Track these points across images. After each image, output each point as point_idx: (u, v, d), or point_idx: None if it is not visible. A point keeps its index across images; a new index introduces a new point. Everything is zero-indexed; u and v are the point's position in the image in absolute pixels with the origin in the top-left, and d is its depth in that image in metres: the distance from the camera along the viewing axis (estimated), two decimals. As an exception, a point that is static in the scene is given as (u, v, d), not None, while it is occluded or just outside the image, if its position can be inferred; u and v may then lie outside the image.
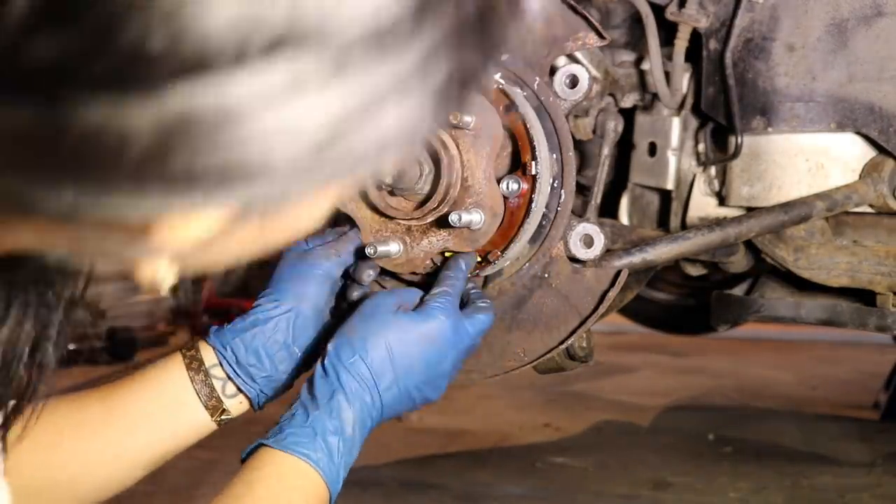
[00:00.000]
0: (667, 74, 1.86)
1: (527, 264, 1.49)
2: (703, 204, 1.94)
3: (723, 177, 1.90)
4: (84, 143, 0.47)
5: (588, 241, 1.48)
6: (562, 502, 3.38)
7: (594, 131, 1.72)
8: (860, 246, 1.84)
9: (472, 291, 1.37)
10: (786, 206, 1.76)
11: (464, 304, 1.34)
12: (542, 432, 4.35)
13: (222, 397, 1.30)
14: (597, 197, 1.60)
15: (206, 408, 1.30)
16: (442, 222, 1.35)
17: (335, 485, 1.16)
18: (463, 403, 4.91)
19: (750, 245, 1.93)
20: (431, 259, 1.39)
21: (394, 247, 1.36)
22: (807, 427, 4.43)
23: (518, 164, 1.41)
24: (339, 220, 1.46)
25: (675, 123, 1.96)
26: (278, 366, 1.33)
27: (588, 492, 3.47)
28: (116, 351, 6.34)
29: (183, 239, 0.54)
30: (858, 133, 1.75)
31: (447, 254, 1.39)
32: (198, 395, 1.29)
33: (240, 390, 1.32)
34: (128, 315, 7.02)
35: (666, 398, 5.08)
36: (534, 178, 1.39)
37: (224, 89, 0.47)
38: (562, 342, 1.48)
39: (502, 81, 1.43)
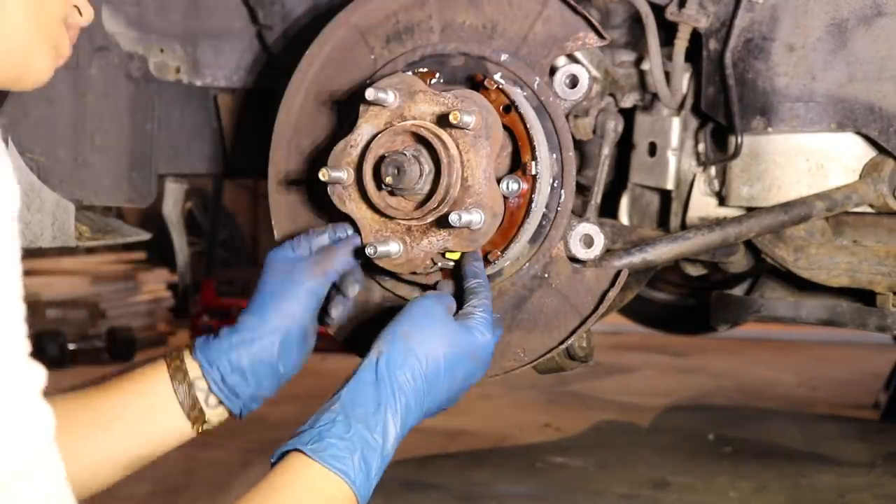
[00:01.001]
0: (667, 74, 1.86)
1: (527, 264, 1.49)
2: (703, 204, 1.94)
3: (723, 177, 1.90)
4: None
5: (588, 241, 1.48)
6: (562, 502, 3.38)
7: (594, 131, 1.72)
8: (860, 246, 1.84)
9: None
10: (786, 206, 1.76)
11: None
12: (542, 432, 4.35)
13: (205, 408, 1.31)
14: (597, 197, 1.60)
15: (188, 418, 1.31)
16: (442, 222, 1.35)
17: (365, 500, 1.12)
18: (463, 403, 4.89)
19: (750, 245, 1.93)
20: (431, 259, 1.39)
21: (394, 247, 1.36)
22: (807, 427, 4.43)
23: (518, 164, 1.41)
24: (334, 217, 1.46)
25: (675, 123, 1.96)
26: (263, 382, 1.33)
27: (588, 492, 3.48)
28: (116, 351, 6.35)
29: None
30: (858, 133, 1.75)
31: (447, 254, 1.38)
32: (181, 405, 1.30)
33: (222, 403, 1.32)
34: (128, 315, 7.03)
35: (666, 398, 5.08)
36: (534, 178, 1.39)
37: None
38: (562, 342, 1.48)
39: (502, 81, 1.43)
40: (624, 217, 2.09)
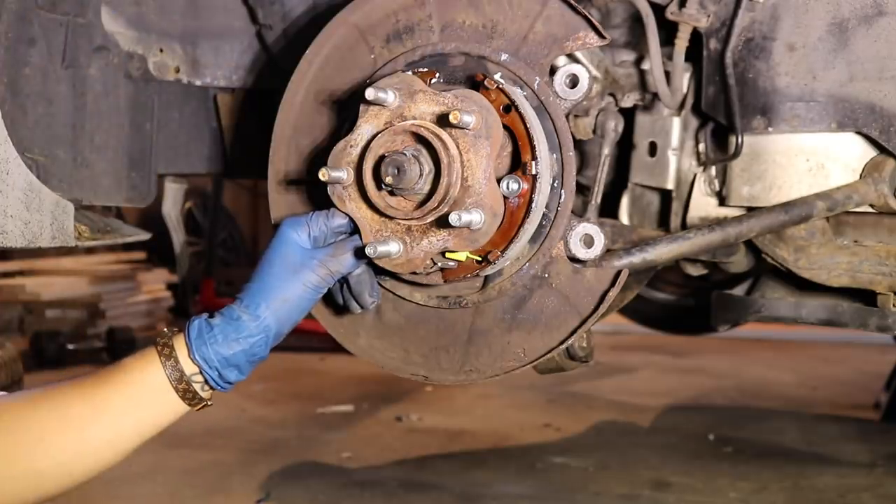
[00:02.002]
0: (667, 74, 1.86)
1: (527, 264, 1.48)
2: (703, 204, 1.94)
3: (723, 177, 1.90)
4: None
5: (588, 241, 1.48)
6: (562, 502, 3.38)
7: (594, 131, 1.72)
8: (861, 246, 1.84)
9: None
10: (786, 206, 1.76)
11: None
12: (542, 432, 4.35)
13: (200, 394, 1.35)
14: (597, 197, 1.60)
15: (187, 403, 1.35)
16: (442, 222, 1.34)
17: None
18: (463, 403, 4.91)
19: (750, 245, 1.93)
20: (431, 259, 1.38)
21: (394, 247, 1.36)
22: (807, 427, 4.43)
23: (518, 164, 1.40)
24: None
25: (676, 123, 1.96)
26: (252, 369, 1.39)
27: (588, 492, 3.48)
28: (116, 351, 6.34)
29: None
30: (859, 133, 1.75)
31: (447, 254, 1.38)
32: (181, 397, 1.34)
33: (214, 388, 1.37)
34: (127, 315, 7.02)
35: (666, 398, 5.08)
36: (534, 178, 1.38)
37: None
38: (562, 342, 1.47)
39: (502, 81, 1.42)
40: (624, 217, 2.09)
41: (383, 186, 1.34)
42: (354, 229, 1.41)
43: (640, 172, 2.03)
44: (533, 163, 1.38)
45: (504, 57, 1.46)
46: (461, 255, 1.38)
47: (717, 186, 1.92)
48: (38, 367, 5.74)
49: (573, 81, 1.45)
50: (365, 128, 1.38)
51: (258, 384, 5.19)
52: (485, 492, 3.45)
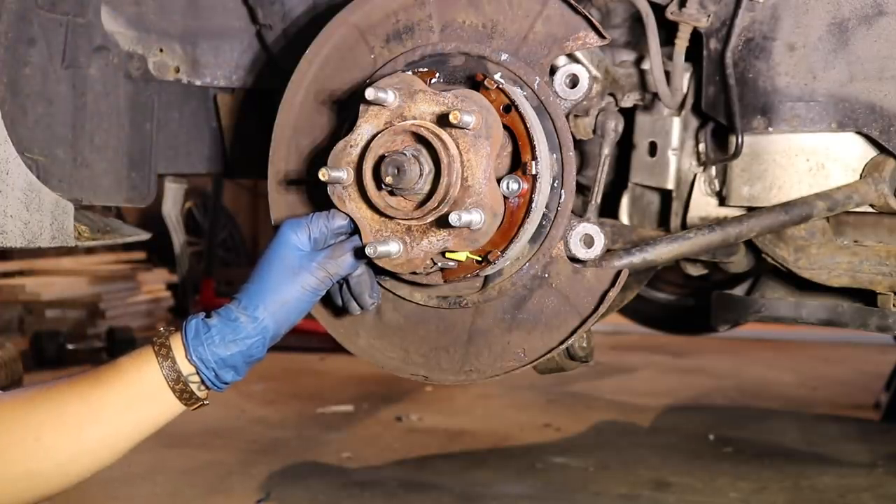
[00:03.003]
0: (667, 74, 1.86)
1: (527, 264, 1.48)
2: (703, 204, 1.94)
3: (723, 177, 1.90)
4: None
5: (588, 241, 1.47)
6: (562, 502, 3.38)
7: (594, 131, 1.72)
8: (861, 246, 1.84)
9: None
10: (786, 206, 1.76)
11: None
12: (542, 432, 4.35)
13: (197, 394, 1.35)
14: (597, 197, 1.60)
15: (184, 403, 1.35)
16: (442, 222, 1.34)
17: None
18: (463, 403, 4.90)
19: (750, 245, 1.93)
20: (431, 259, 1.38)
21: (394, 247, 1.36)
22: (807, 427, 4.43)
23: (518, 164, 1.40)
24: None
25: (676, 123, 1.96)
26: (247, 369, 1.39)
27: (588, 492, 3.47)
28: (116, 351, 6.34)
29: None
30: (859, 133, 1.75)
31: (447, 254, 1.38)
32: (178, 396, 1.34)
33: (210, 389, 1.38)
34: (127, 315, 7.02)
35: (666, 398, 5.08)
36: (534, 178, 1.38)
37: None
38: (562, 342, 1.47)
39: (502, 81, 1.42)
40: (624, 217, 2.09)
41: (383, 186, 1.34)
42: (354, 231, 1.41)
43: (640, 172, 2.03)
44: (533, 163, 1.38)
45: (504, 57, 1.46)
46: (461, 255, 1.38)
47: (717, 186, 1.92)
48: (38, 367, 5.73)
49: (573, 81, 1.45)
50: (365, 128, 1.38)
51: (258, 384, 5.18)
52: (485, 492, 3.45)
